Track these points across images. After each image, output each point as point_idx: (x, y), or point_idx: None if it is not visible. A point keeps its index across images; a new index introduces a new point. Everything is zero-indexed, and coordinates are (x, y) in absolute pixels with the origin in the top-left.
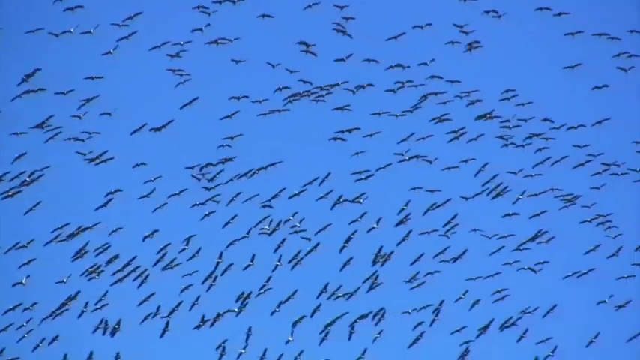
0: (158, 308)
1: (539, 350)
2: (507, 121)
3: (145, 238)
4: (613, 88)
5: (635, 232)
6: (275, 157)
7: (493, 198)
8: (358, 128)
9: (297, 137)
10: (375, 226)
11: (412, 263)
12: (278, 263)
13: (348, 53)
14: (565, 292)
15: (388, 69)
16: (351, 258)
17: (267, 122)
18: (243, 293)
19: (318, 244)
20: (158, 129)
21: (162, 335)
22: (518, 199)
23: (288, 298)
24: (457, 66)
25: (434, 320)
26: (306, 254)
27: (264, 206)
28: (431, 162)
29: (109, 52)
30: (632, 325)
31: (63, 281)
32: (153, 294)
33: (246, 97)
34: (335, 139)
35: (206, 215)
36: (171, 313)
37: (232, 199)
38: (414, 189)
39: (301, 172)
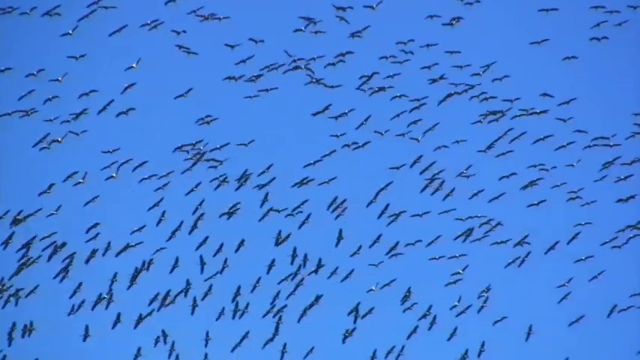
0: (77, 306)
1: (471, 345)
2: (484, 93)
3: (88, 229)
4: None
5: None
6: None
7: (432, 193)
8: (329, 106)
9: (272, 117)
10: (307, 221)
11: (352, 255)
12: (203, 262)
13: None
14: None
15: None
16: (274, 260)
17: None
18: (158, 294)
19: (243, 240)
20: (124, 112)
21: (85, 339)
22: (448, 195)
23: (205, 294)
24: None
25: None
26: (236, 250)
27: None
28: (418, 140)
29: (69, 33)
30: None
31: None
32: (80, 284)
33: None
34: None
35: (155, 205)
36: (95, 305)
37: (193, 189)
38: (397, 168)
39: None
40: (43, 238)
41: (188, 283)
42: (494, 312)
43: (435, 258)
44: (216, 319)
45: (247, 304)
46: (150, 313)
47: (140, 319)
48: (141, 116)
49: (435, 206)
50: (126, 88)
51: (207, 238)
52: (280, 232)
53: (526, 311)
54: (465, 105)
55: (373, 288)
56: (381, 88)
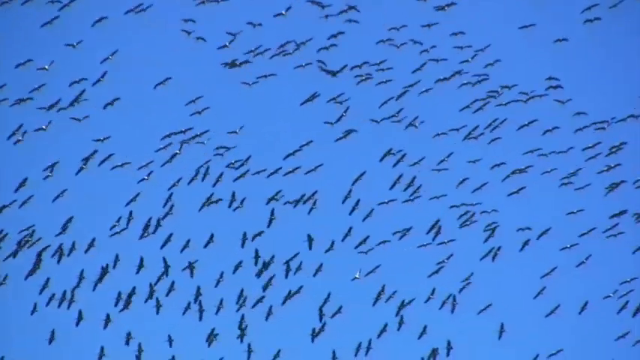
0: (37, 305)
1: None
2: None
3: (65, 225)
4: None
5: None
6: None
7: (405, 189)
8: (315, 94)
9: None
10: (273, 217)
11: (327, 250)
12: (167, 265)
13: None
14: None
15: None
16: (241, 261)
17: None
18: (120, 294)
19: (212, 235)
20: (110, 103)
21: (50, 342)
22: (413, 189)
23: (169, 291)
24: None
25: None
26: (205, 246)
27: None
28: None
29: (49, 23)
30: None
31: None
32: (48, 279)
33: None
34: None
35: (132, 200)
36: (61, 303)
37: (175, 184)
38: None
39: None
40: (22, 231)
41: (151, 287)
42: (475, 304)
43: (424, 245)
44: (183, 313)
45: (221, 300)
46: (128, 304)
47: (108, 319)
48: (128, 106)
49: (425, 194)
50: (98, 80)
51: (171, 235)
52: (245, 233)
53: (508, 302)
54: (457, 91)
55: (357, 276)
56: (369, 76)
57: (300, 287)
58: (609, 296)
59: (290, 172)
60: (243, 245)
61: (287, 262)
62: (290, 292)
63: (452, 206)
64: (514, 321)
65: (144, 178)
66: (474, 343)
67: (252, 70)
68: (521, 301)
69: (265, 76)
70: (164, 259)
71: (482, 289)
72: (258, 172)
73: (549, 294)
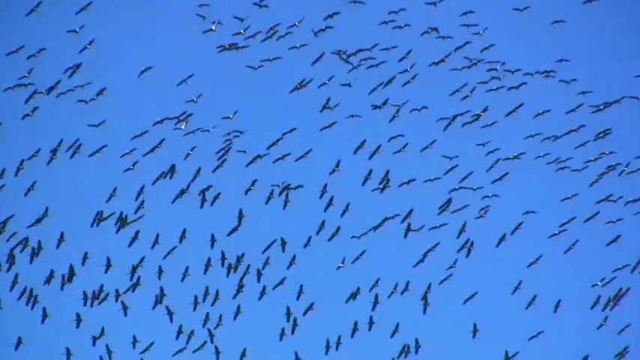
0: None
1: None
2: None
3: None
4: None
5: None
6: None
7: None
8: (303, 81)
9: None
10: (242, 215)
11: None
12: (134, 269)
13: None
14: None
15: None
16: (210, 258)
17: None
18: (85, 294)
19: (185, 230)
20: (100, 92)
21: (16, 348)
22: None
23: (136, 286)
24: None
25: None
26: (180, 241)
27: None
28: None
29: (34, 10)
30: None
31: None
32: (17, 275)
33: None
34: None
35: (112, 195)
36: (28, 301)
37: (160, 178)
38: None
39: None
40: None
41: (117, 292)
42: (459, 294)
43: (416, 230)
44: (152, 308)
45: (196, 297)
46: (104, 298)
47: (79, 318)
48: (114, 93)
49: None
50: (74, 72)
51: (138, 232)
52: (213, 235)
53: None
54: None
55: (341, 265)
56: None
57: (284, 279)
58: (596, 285)
59: (279, 159)
60: (212, 246)
61: (264, 251)
62: (264, 288)
63: (451, 190)
64: (496, 313)
65: (129, 168)
66: (452, 337)
67: (248, 53)
68: (503, 293)
69: (270, 60)
70: (132, 266)
71: (464, 279)
72: (253, 161)
73: (541, 285)
